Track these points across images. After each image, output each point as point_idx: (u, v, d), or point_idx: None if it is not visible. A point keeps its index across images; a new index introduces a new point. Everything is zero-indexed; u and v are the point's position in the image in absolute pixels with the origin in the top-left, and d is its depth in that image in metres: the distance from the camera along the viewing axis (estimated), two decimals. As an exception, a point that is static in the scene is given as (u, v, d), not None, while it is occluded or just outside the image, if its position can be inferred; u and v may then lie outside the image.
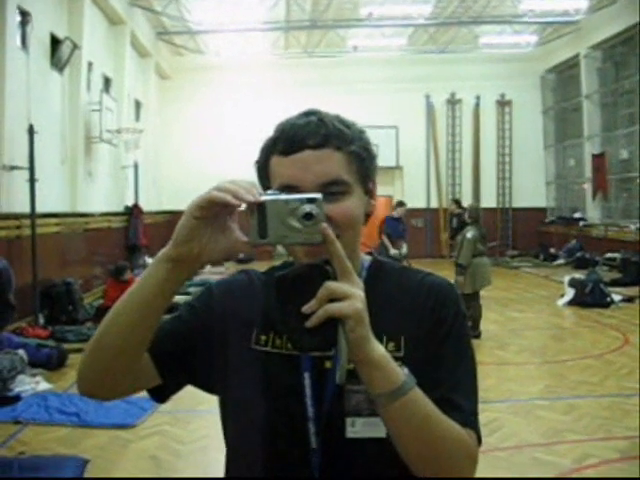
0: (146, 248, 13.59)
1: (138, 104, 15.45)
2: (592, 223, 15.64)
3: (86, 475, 3.90)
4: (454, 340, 1.14)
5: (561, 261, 15.81)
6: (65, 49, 9.79)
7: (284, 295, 0.93)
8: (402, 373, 0.98)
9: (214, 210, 0.93)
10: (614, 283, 11.38)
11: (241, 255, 17.38)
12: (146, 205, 14.12)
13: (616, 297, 10.36)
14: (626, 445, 4.35)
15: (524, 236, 18.18)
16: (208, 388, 1.23)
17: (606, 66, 15.42)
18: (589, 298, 10.12)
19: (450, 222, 13.28)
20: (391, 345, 1.11)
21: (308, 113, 1.14)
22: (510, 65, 17.70)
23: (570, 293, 10.46)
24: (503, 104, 18.40)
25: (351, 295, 0.91)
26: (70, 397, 5.52)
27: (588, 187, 15.92)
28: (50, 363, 6.47)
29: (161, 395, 1.18)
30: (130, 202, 13.39)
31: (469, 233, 7.71)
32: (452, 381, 1.10)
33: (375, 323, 0.95)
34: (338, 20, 16.06)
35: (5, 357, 5.85)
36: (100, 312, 9.00)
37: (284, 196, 0.94)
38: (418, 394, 0.99)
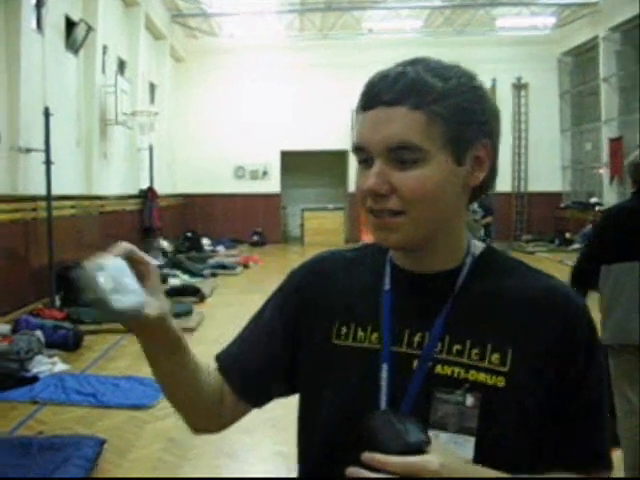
0: (160, 231, 13.65)
1: (153, 87, 15.44)
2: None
3: (103, 454, 3.95)
4: (592, 386, 0.97)
5: (577, 246, 15.64)
6: (80, 31, 9.77)
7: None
8: None
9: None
10: (630, 268, 11.26)
11: (255, 238, 17.42)
12: (160, 188, 14.13)
13: (632, 282, 10.27)
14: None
15: (539, 220, 18.06)
16: (293, 391, 1.12)
17: (625, 49, 15.15)
18: (605, 283, 10.04)
19: None
20: (495, 357, 0.94)
21: (409, 62, 0.96)
22: (527, 48, 17.49)
23: (586, 278, 10.37)
24: (519, 87, 18.20)
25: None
26: (87, 378, 5.58)
27: (605, 172, 15.76)
28: (67, 344, 6.53)
29: (261, 405, 1.14)
30: (145, 185, 13.41)
31: None
32: (588, 450, 0.97)
33: (478, 327, 0.84)
34: (353, 2, 15.92)
35: (22, 338, 5.92)
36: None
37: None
38: None
